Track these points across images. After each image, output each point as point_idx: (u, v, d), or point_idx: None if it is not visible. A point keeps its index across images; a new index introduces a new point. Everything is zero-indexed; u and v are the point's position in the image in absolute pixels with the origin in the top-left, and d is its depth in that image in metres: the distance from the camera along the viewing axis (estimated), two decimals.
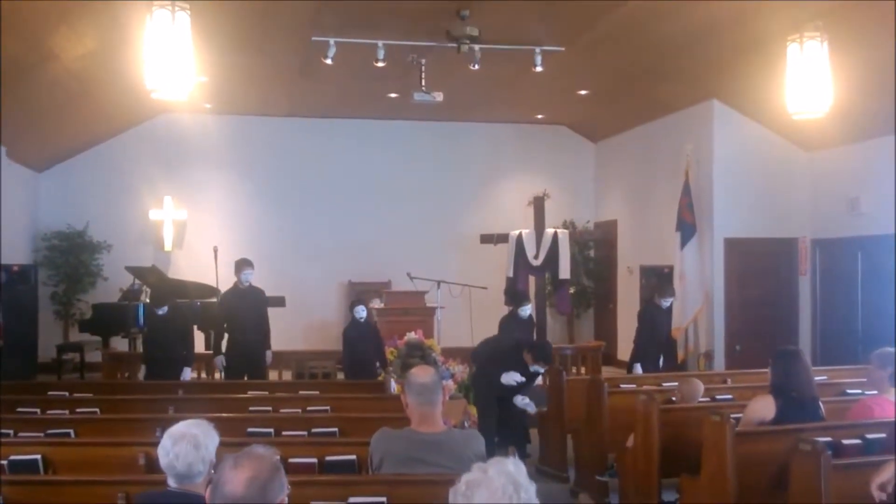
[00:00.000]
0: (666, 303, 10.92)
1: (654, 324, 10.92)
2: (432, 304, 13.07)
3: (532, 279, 14.64)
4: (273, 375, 12.13)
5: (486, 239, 14.61)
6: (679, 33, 10.62)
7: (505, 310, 11.58)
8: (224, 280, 13.59)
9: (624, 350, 15.90)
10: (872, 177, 11.94)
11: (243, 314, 10.65)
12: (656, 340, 10.90)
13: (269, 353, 10.80)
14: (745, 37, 10.45)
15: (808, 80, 8.44)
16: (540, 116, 17.01)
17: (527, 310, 10.90)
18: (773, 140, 13.22)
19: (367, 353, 10.84)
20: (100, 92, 12.75)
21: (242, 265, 10.76)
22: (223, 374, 10.95)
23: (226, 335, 10.78)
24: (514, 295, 11.55)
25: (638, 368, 10.72)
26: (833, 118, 9.24)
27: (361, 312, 10.90)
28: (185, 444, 3.76)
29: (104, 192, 16.02)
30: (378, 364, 11.03)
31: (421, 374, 4.70)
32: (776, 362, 6.05)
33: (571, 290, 15.68)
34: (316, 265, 16.50)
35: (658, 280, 13.41)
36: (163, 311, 10.37)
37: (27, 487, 4.73)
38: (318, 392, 8.63)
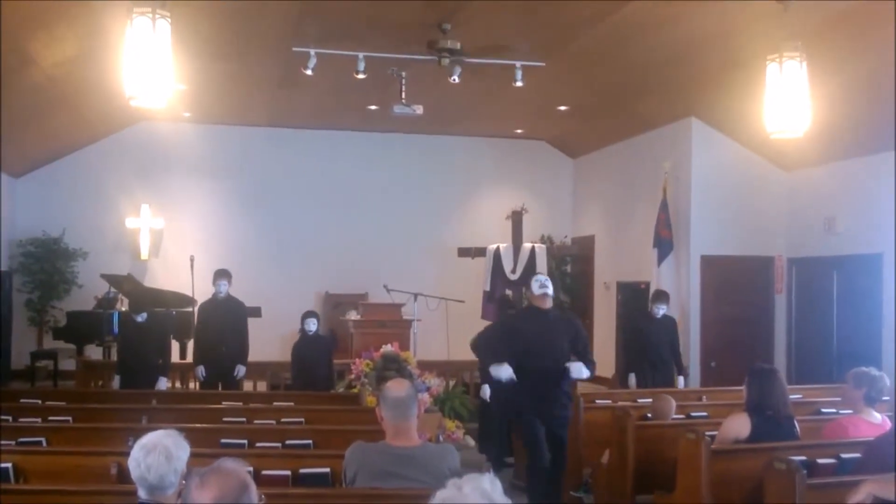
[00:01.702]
0: (658, 311, 10.80)
1: (642, 333, 10.82)
2: (409, 316, 13.04)
3: (509, 293, 14.63)
4: (248, 386, 12.05)
5: (464, 252, 14.59)
6: (659, 51, 10.67)
7: (482, 323, 11.55)
8: (200, 289, 13.52)
9: (600, 366, 15.85)
10: (849, 197, 12.04)
11: (217, 325, 10.59)
12: (648, 352, 10.75)
13: (241, 368, 10.68)
14: (725, 55, 10.51)
15: (786, 99, 8.47)
16: (519, 131, 17.04)
17: None
18: (751, 158, 13.31)
19: (316, 368, 10.70)
20: (78, 98, 12.69)
21: (217, 276, 10.73)
22: (199, 384, 10.89)
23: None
24: (501, 302, 11.51)
25: (632, 379, 10.61)
26: (811, 138, 9.29)
27: (312, 326, 10.76)
28: (157, 455, 3.72)
29: (81, 199, 15.91)
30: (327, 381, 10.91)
31: (396, 387, 4.68)
32: (752, 380, 6.06)
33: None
34: (293, 276, 16.43)
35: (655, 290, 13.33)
36: (142, 318, 10.31)
37: None
38: (292, 403, 8.60)
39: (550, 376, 7.54)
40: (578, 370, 7.60)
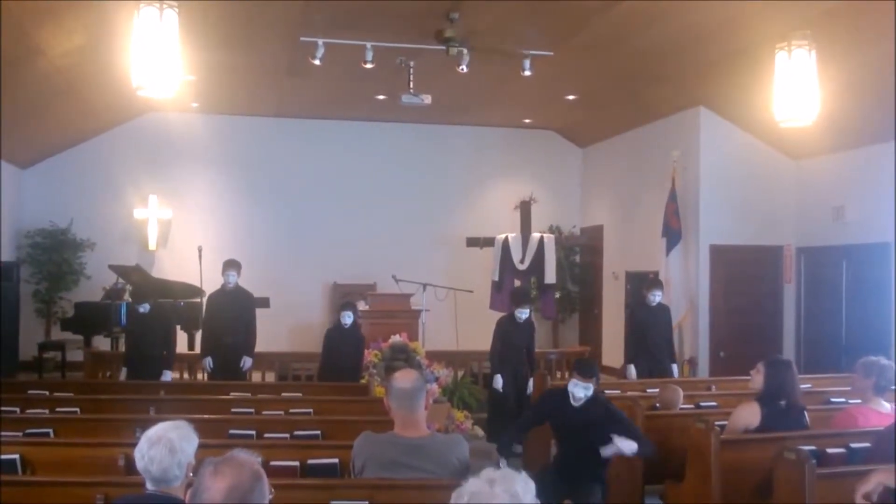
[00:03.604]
0: (653, 299, 10.75)
1: (640, 324, 10.78)
2: (417, 306, 13.03)
3: (518, 283, 14.63)
4: (256, 377, 12.06)
5: (473, 242, 14.60)
6: (667, 40, 10.63)
7: (490, 313, 11.53)
8: (208, 280, 13.55)
9: (609, 355, 15.96)
10: (858, 186, 11.99)
11: (224, 316, 10.56)
12: (648, 342, 10.71)
13: (247, 360, 10.64)
14: (733, 44, 10.47)
15: (795, 88, 8.45)
16: (528, 121, 17.00)
17: (524, 313, 10.68)
18: (760, 147, 13.25)
19: (345, 360, 10.68)
20: (86, 89, 12.68)
21: (226, 266, 10.67)
22: (207, 375, 10.88)
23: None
24: (514, 295, 11.47)
25: (631, 370, 10.60)
26: (819, 127, 9.27)
27: (347, 319, 10.71)
28: (161, 447, 3.72)
29: (89, 189, 15.92)
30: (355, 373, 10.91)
31: (402, 378, 4.68)
32: (772, 371, 6.05)
33: (557, 295, 15.67)
34: (301, 266, 16.44)
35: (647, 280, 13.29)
36: (144, 308, 10.30)
37: (4, 488, 4.67)
38: (301, 394, 8.59)
39: None
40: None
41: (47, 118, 13.68)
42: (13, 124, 12.22)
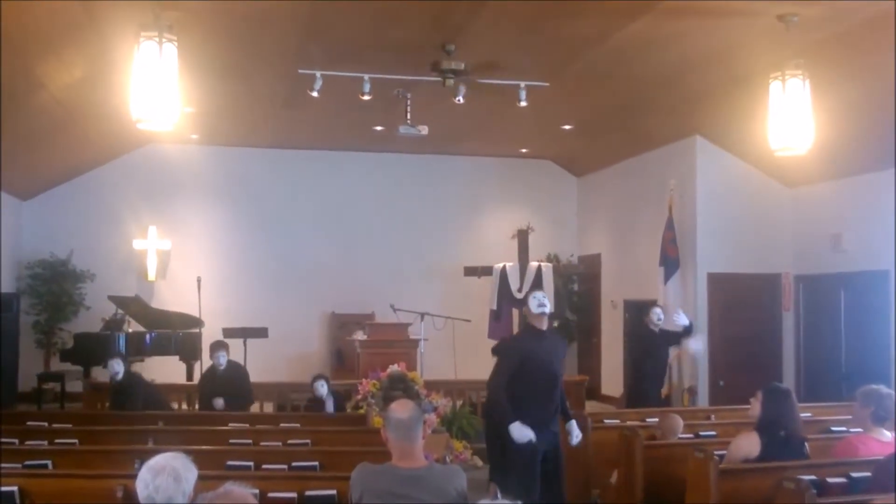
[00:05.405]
0: (655, 319, 10.70)
1: (646, 351, 10.75)
2: (415, 336, 13.04)
3: (515, 312, 14.62)
4: (254, 407, 12.05)
5: (470, 271, 14.59)
6: (663, 69, 10.68)
7: (489, 342, 11.49)
8: (206, 310, 13.60)
9: (607, 385, 15.94)
10: (855, 213, 12.02)
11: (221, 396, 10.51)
12: (650, 369, 10.65)
13: None
14: (729, 74, 10.52)
15: (790, 117, 8.49)
16: (524, 150, 17.06)
17: None
18: (756, 176, 13.31)
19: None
20: (86, 121, 12.74)
21: (213, 349, 10.60)
22: None
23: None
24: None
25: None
26: (815, 155, 9.29)
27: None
28: (166, 476, 3.72)
29: (88, 221, 15.96)
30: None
31: (399, 409, 4.67)
32: (770, 399, 6.02)
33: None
34: (300, 296, 16.44)
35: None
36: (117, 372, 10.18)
37: None
38: (299, 425, 8.59)
39: (552, 405, 7.17)
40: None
41: (47, 150, 13.73)
42: (13, 156, 12.26)
